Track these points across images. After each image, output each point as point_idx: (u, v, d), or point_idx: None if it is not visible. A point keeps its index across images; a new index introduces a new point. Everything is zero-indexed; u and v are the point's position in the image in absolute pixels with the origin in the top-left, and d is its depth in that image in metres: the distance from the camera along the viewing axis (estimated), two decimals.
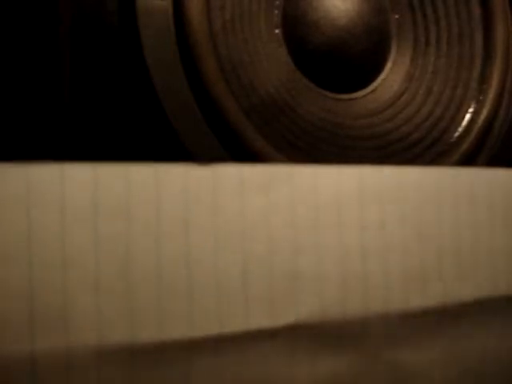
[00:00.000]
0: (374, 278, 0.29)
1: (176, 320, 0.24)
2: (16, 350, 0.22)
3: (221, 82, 0.35)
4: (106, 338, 0.23)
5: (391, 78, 0.42)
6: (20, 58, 0.34)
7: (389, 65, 0.42)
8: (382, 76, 0.41)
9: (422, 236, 0.30)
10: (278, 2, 0.39)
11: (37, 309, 0.22)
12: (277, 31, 0.38)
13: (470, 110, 0.42)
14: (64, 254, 0.23)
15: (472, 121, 0.42)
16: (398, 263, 0.30)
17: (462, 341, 0.32)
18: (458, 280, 0.31)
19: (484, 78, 0.42)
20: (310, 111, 0.39)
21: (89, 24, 0.34)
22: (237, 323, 0.25)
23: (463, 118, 0.42)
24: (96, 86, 0.35)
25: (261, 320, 0.26)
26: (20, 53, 0.34)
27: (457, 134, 0.42)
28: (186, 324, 0.24)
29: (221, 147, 0.35)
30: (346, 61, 0.40)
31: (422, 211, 0.30)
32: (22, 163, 0.23)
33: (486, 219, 0.32)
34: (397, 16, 0.42)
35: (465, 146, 0.41)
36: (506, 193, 0.33)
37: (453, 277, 0.31)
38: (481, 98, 0.42)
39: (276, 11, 0.39)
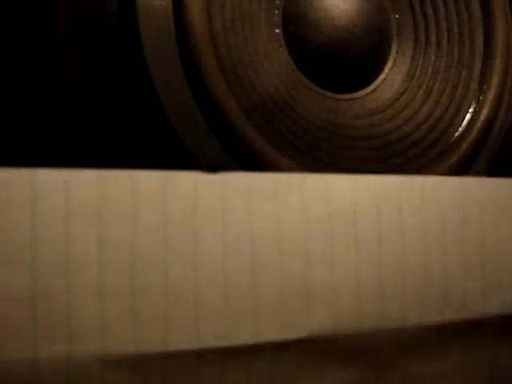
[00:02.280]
0: (391, 289, 0.28)
1: (182, 329, 0.24)
2: (19, 357, 0.22)
3: (221, 82, 0.35)
4: (110, 345, 0.23)
5: (391, 77, 0.42)
6: (20, 58, 0.34)
7: (389, 65, 0.42)
8: (382, 76, 0.41)
9: (444, 247, 0.30)
10: (278, 2, 0.38)
11: (40, 315, 0.22)
12: (277, 31, 0.38)
13: (470, 110, 0.42)
14: (68, 260, 0.23)
15: (472, 121, 0.42)
16: (417, 274, 0.29)
17: (476, 355, 0.31)
18: (481, 294, 0.31)
19: (484, 78, 0.42)
20: (310, 111, 0.39)
21: (89, 24, 0.34)
22: (245, 335, 0.25)
23: (463, 118, 0.42)
24: (96, 86, 0.34)
25: (270, 332, 0.26)
26: (20, 53, 0.34)
27: (457, 134, 0.42)
28: (192, 334, 0.24)
29: (221, 147, 0.35)
30: (346, 60, 0.40)
31: (444, 221, 0.30)
32: (28, 168, 0.23)
33: (510, 232, 0.31)
34: (397, 16, 0.42)
35: (465, 146, 0.41)
36: None
37: (475, 291, 0.30)
38: (481, 98, 0.42)
39: (276, 11, 0.38)
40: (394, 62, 0.42)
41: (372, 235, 0.28)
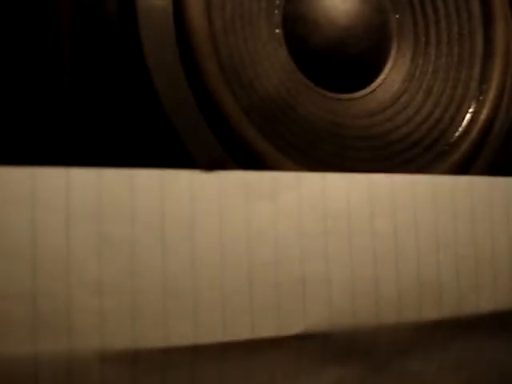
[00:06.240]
0: (386, 286, 0.29)
1: (180, 326, 0.24)
2: (19, 352, 0.22)
3: (221, 82, 0.35)
4: (109, 341, 0.23)
5: (391, 77, 0.42)
6: (20, 58, 0.34)
7: (389, 65, 0.42)
8: (382, 76, 0.41)
9: (437, 245, 0.30)
10: (278, 2, 0.39)
11: (40, 311, 0.22)
12: (277, 31, 0.38)
13: (470, 110, 0.42)
14: (68, 258, 0.23)
15: (472, 121, 0.42)
16: (412, 272, 0.29)
17: (473, 352, 0.31)
18: (475, 291, 0.31)
19: (484, 78, 0.42)
20: (310, 111, 0.39)
21: (89, 24, 0.34)
22: (242, 331, 0.25)
23: (463, 118, 0.42)
24: (96, 86, 0.34)
25: (267, 329, 0.26)
26: (20, 53, 0.34)
27: (457, 134, 0.42)
28: (190, 330, 0.24)
29: (221, 147, 0.35)
30: (346, 61, 0.40)
31: (436, 220, 0.30)
32: (28, 167, 0.23)
33: (503, 229, 0.32)
34: (397, 16, 0.42)
35: (465, 146, 0.41)
36: None
37: (469, 287, 0.31)
38: (481, 98, 0.42)
39: (276, 11, 0.38)
40: (394, 61, 0.42)
41: (367, 233, 0.29)
